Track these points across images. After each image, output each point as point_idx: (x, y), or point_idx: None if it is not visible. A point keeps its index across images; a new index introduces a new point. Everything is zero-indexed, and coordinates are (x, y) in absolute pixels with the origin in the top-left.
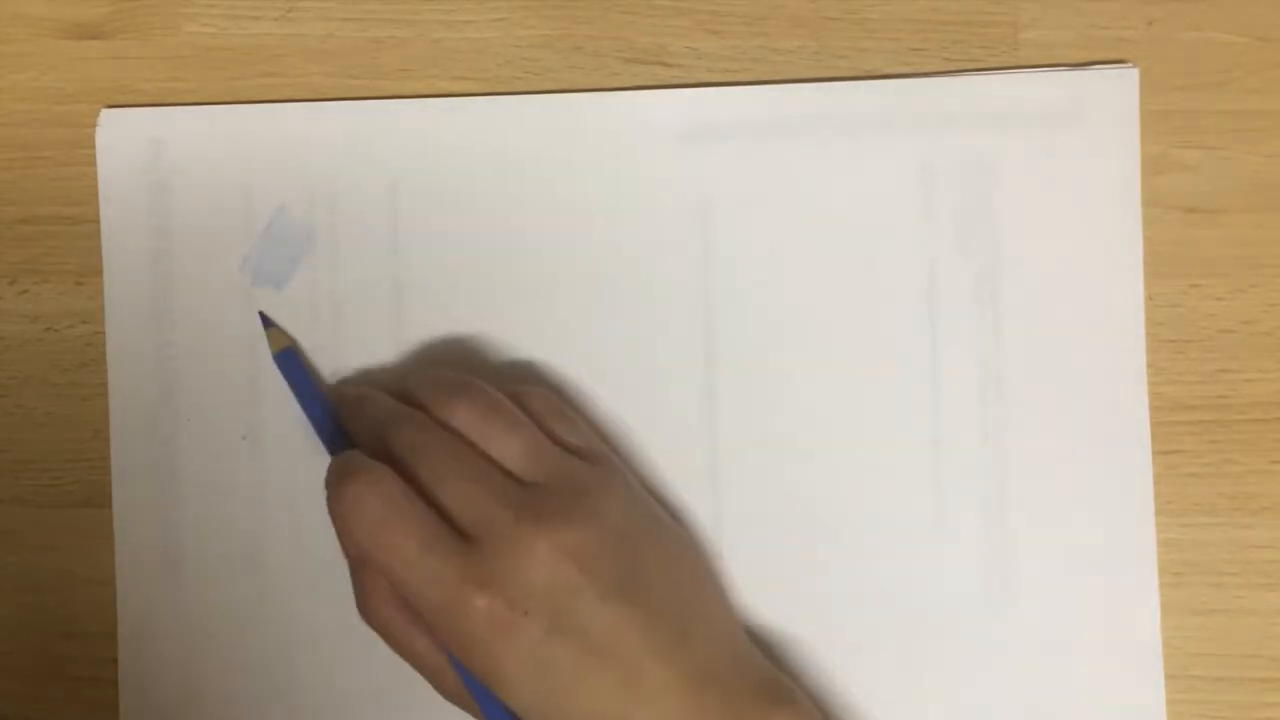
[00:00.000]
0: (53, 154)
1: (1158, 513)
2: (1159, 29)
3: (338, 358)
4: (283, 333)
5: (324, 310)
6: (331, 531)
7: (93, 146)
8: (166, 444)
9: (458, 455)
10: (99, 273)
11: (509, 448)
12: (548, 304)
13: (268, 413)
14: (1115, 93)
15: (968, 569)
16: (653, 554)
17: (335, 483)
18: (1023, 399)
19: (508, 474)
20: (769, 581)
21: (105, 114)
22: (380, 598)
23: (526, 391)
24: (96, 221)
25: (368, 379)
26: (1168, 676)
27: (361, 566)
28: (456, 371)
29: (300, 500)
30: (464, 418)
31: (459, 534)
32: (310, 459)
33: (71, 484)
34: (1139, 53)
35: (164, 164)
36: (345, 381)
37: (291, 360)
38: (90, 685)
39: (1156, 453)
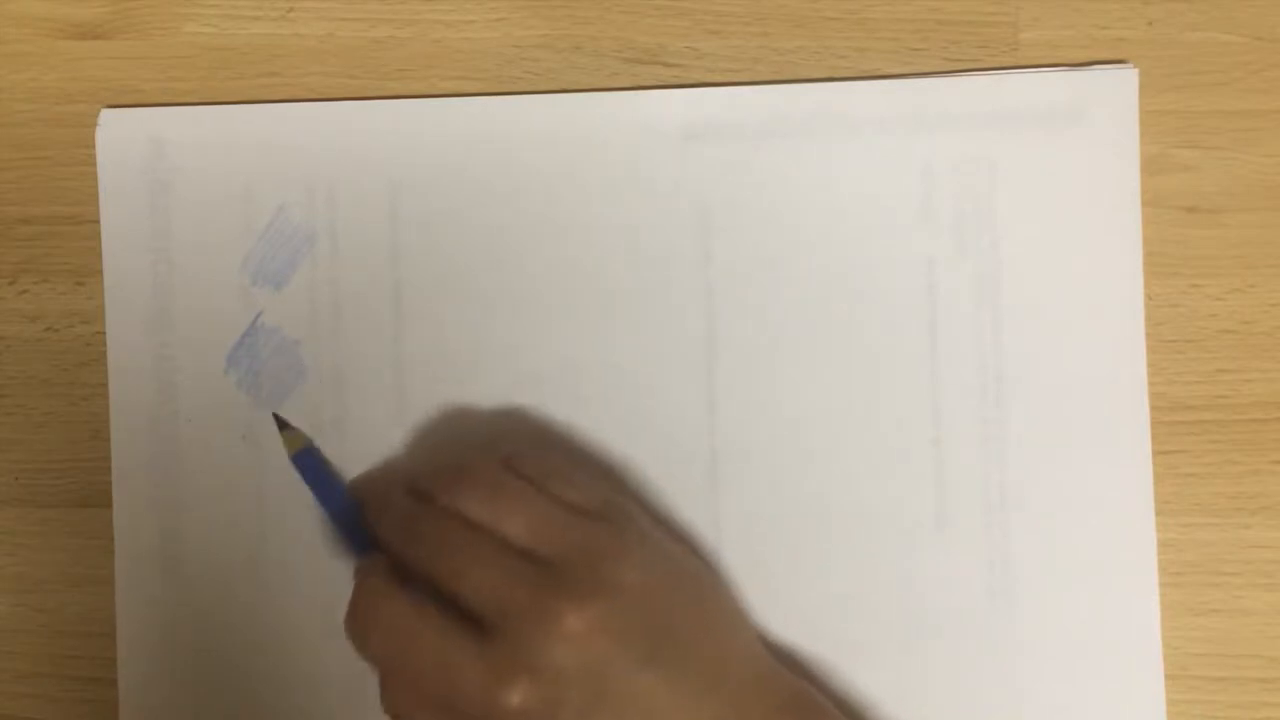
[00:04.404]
0: (53, 154)
1: (1158, 513)
2: (1159, 29)
3: (338, 358)
4: (299, 434)
5: (324, 310)
6: (330, 534)
7: (93, 146)
8: (166, 444)
9: (471, 545)
10: (99, 273)
11: (519, 526)
12: (547, 304)
13: (268, 413)
14: (1115, 93)
15: (968, 569)
16: (676, 602)
17: (351, 601)
18: (1023, 399)
19: (524, 553)
20: (768, 582)
21: (105, 114)
22: (403, 697)
23: (521, 458)
24: (96, 221)
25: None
26: (1168, 676)
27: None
28: (461, 456)
29: (300, 500)
30: (469, 504)
31: (485, 626)
32: None
33: (71, 484)
34: (1139, 53)
35: (164, 164)
36: (356, 480)
37: (310, 461)
38: (90, 685)
39: (1156, 453)
